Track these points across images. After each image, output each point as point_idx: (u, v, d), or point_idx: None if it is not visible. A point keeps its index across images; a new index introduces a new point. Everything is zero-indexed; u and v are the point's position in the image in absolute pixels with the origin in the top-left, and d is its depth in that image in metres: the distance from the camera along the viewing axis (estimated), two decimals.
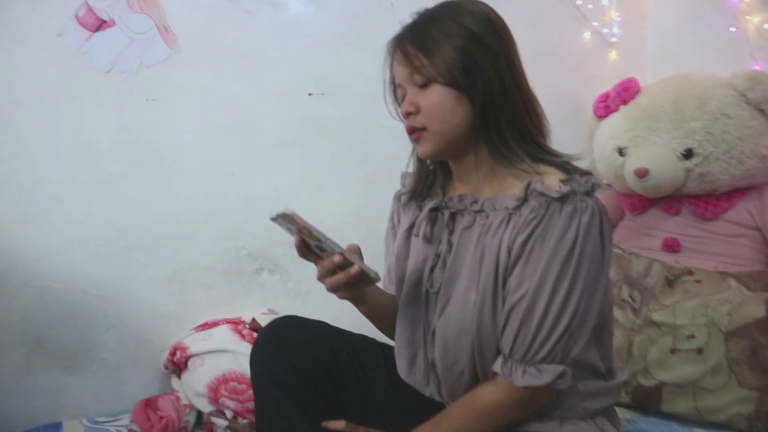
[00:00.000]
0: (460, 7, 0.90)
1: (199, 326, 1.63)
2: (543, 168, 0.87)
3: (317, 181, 1.82)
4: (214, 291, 1.71)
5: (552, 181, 0.83)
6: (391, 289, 1.08)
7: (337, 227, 1.72)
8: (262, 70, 1.71)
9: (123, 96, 1.57)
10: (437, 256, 0.96)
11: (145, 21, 1.56)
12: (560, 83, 2.09)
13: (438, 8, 0.92)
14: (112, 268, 1.60)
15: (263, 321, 1.66)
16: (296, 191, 1.78)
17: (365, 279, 0.87)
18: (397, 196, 1.11)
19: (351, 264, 0.84)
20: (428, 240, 1.00)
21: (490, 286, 0.85)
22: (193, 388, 1.46)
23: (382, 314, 1.06)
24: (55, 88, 1.52)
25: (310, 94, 1.78)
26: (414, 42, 0.90)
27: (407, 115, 0.92)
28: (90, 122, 1.55)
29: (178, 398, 1.49)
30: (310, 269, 1.79)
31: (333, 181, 1.84)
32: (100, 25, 1.52)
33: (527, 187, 0.85)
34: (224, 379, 1.44)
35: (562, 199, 0.81)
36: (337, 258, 0.86)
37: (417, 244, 1.03)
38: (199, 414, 1.51)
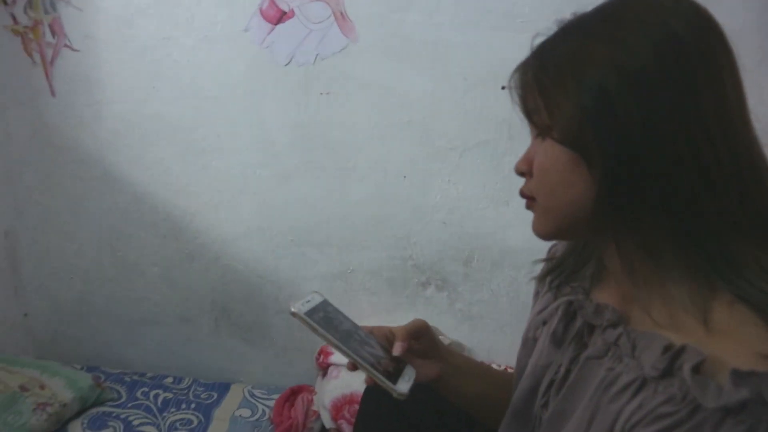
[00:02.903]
0: (637, 10, 0.57)
1: None
2: (729, 312, 0.55)
3: (504, 195, 1.59)
4: (377, 297, 1.71)
5: (732, 353, 0.52)
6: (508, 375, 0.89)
7: (524, 251, 1.52)
8: (448, 59, 1.52)
9: (299, 90, 1.60)
10: (558, 371, 0.72)
11: (323, 9, 1.50)
12: None
13: (602, 13, 0.60)
14: (285, 259, 1.73)
15: None
16: (476, 204, 1.60)
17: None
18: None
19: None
20: (556, 342, 0.76)
21: None
22: (323, 398, 1.51)
23: (471, 405, 0.90)
24: (241, 84, 1.63)
25: (503, 88, 1.49)
26: (535, 73, 0.63)
27: (519, 173, 0.69)
28: (270, 117, 1.63)
29: (311, 401, 1.56)
30: (485, 292, 1.69)
31: None
32: (281, 17, 1.53)
33: (675, 354, 0.55)
34: (350, 400, 1.46)
35: (726, 411, 0.49)
36: (348, 365, 0.75)
37: (544, 339, 0.79)
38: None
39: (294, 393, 1.68)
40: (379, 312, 1.73)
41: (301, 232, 1.71)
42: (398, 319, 1.73)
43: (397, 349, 0.77)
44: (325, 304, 0.80)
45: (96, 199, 1.81)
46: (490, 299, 1.65)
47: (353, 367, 0.75)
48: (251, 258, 1.77)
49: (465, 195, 1.60)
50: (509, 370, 1.05)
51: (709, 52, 0.55)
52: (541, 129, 0.62)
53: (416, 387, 0.80)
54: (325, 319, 0.77)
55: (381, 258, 1.70)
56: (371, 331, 0.81)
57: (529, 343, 0.82)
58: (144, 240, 1.82)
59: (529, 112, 0.63)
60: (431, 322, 1.67)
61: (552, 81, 0.59)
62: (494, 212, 1.60)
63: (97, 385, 1.65)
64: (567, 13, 0.62)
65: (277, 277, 1.76)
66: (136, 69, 1.69)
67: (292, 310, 0.74)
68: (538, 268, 0.83)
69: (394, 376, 0.76)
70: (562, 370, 0.70)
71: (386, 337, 0.80)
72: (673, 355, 0.54)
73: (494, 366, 1.67)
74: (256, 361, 1.84)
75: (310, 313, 0.76)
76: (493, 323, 1.67)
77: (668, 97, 0.54)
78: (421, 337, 0.82)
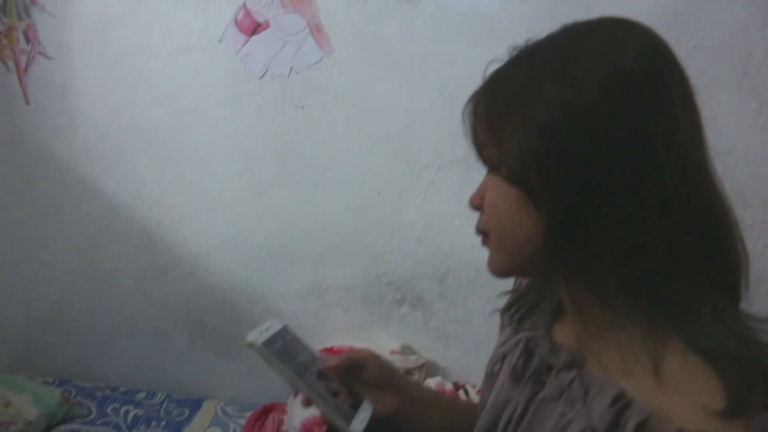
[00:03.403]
0: (586, 42, 0.54)
1: (325, 349, 1.64)
2: (682, 362, 0.52)
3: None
4: (351, 314, 1.69)
5: (680, 408, 0.49)
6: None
7: None
8: (424, 73, 1.50)
9: (275, 102, 1.58)
10: (516, 409, 0.70)
11: (298, 21, 1.49)
12: None
13: (552, 44, 0.57)
14: (259, 273, 1.71)
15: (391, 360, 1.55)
16: (452, 221, 1.57)
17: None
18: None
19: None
20: (516, 378, 0.73)
21: None
22: (293, 419, 1.48)
23: None
24: (217, 95, 1.61)
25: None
26: (485, 106, 0.59)
27: (472, 208, 0.66)
28: (245, 129, 1.61)
29: (282, 421, 1.53)
30: (460, 311, 1.66)
31: None
32: (256, 28, 1.51)
33: (621, 408, 0.52)
34: (320, 422, 1.41)
35: None
36: (302, 400, 0.74)
37: (504, 373, 0.76)
38: None
39: (266, 411, 1.65)
40: (353, 329, 1.70)
41: (276, 246, 1.69)
42: (372, 336, 1.71)
43: (327, 366, 0.76)
44: (284, 332, 0.77)
45: (71, 209, 1.79)
46: (465, 318, 1.62)
47: (307, 402, 0.73)
48: (226, 271, 1.74)
49: (440, 212, 1.57)
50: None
51: (660, 86, 0.51)
52: (490, 164, 0.60)
53: (377, 423, 0.78)
54: (283, 349, 0.75)
55: (355, 274, 1.67)
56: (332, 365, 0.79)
57: (490, 378, 0.80)
58: (118, 251, 1.80)
59: (479, 146, 0.60)
60: (406, 340, 1.68)
61: (500, 116, 0.56)
62: (470, 230, 1.55)
63: (65, 401, 1.62)
64: (529, 36, 0.59)
65: (252, 291, 1.74)
66: (112, 78, 1.67)
67: (249, 339, 0.72)
68: (503, 300, 0.80)
69: (351, 412, 0.73)
70: (519, 408, 0.68)
71: None
72: (620, 409, 0.51)
73: (469, 387, 1.64)
74: (230, 377, 1.81)
75: (268, 343, 0.73)
76: (468, 342, 1.64)
77: (617, 135, 0.50)
78: (364, 367, 0.80)
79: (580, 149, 0.51)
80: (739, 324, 0.51)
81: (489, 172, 0.61)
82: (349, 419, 0.72)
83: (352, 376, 0.81)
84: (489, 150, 0.58)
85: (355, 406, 0.75)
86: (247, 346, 0.71)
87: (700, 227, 0.52)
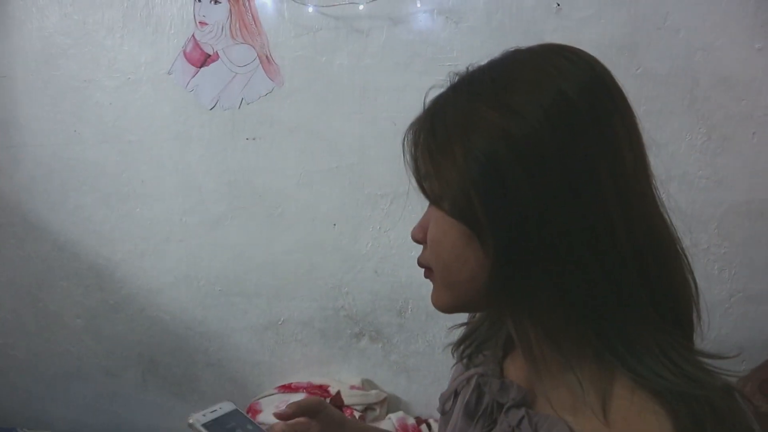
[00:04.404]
0: (527, 71, 0.53)
1: (282, 387, 1.60)
2: (630, 399, 0.50)
3: None
4: (309, 349, 1.65)
5: None
6: None
7: None
8: (376, 103, 1.48)
9: (225, 135, 1.55)
10: None
11: (247, 52, 1.46)
12: None
13: (492, 71, 0.54)
14: (213, 310, 1.66)
15: (350, 397, 1.52)
16: (408, 252, 1.55)
17: None
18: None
19: None
20: (469, 415, 0.69)
21: None
22: None
23: None
24: (166, 128, 1.58)
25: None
26: (425, 136, 0.57)
27: (415, 241, 0.63)
28: (196, 162, 1.58)
29: None
30: (420, 344, 1.63)
31: None
32: (205, 60, 1.48)
33: None
34: None
35: None
36: None
37: (458, 410, 0.72)
38: None
39: None
40: (312, 364, 1.66)
41: (230, 282, 1.64)
42: (332, 371, 1.67)
43: (279, 414, 0.72)
44: (233, 416, 0.73)
45: (14, 247, 1.72)
46: (426, 350, 1.59)
47: None
48: (179, 308, 1.68)
49: (396, 243, 1.55)
50: None
51: (603, 116, 0.50)
52: (431, 198, 0.57)
53: None
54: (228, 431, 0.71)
55: (312, 308, 1.63)
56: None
57: (444, 415, 0.78)
58: (66, 290, 1.73)
59: (420, 177, 0.57)
60: (366, 374, 1.64)
61: (440, 147, 0.53)
62: None
63: None
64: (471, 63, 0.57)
65: (206, 328, 1.68)
66: (57, 111, 1.62)
67: (189, 420, 0.68)
68: (457, 334, 0.78)
69: None
70: None
71: None
72: None
73: (432, 421, 1.60)
74: (185, 416, 1.74)
75: (210, 425, 0.70)
76: (430, 375, 1.61)
77: (559, 167, 0.49)
78: (317, 414, 0.77)
79: (521, 181, 0.49)
80: (687, 360, 0.50)
81: (431, 204, 0.59)
82: None
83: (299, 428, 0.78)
84: (430, 182, 0.55)
85: None
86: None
87: (645, 260, 0.50)
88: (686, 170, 1.43)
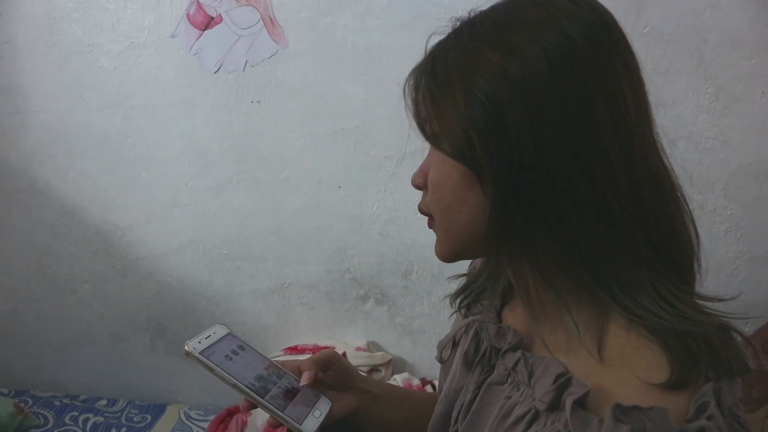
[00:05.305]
0: (529, 12, 0.52)
1: (289, 348, 1.62)
2: (626, 337, 0.51)
3: None
4: (315, 312, 1.66)
5: (621, 383, 0.49)
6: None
7: (464, 262, 1.48)
8: (380, 64, 1.48)
9: (229, 98, 1.54)
10: (466, 396, 0.68)
11: (251, 14, 1.45)
12: None
13: (494, 14, 0.54)
14: (219, 274, 1.67)
15: (355, 359, 1.54)
16: (414, 214, 1.54)
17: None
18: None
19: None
20: (467, 364, 0.71)
21: None
22: (256, 420, 1.45)
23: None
24: (170, 92, 1.57)
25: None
26: (426, 79, 0.57)
27: (415, 187, 0.64)
28: (200, 126, 1.57)
29: (246, 423, 1.50)
30: (426, 306, 1.64)
31: None
32: (209, 22, 1.47)
33: (561, 386, 0.51)
34: (270, 426, 1.37)
35: None
36: (243, 403, 0.69)
37: (457, 360, 0.74)
38: None
39: (230, 414, 1.61)
40: (318, 327, 1.68)
41: (235, 246, 1.65)
42: (338, 333, 1.68)
43: (304, 379, 0.72)
44: (228, 339, 0.74)
45: (22, 214, 1.73)
46: (431, 312, 1.61)
47: (250, 405, 0.69)
48: (185, 273, 1.70)
49: (402, 205, 1.55)
50: None
51: (605, 59, 0.50)
52: (432, 140, 0.57)
53: (334, 423, 0.75)
54: (225, 356, 0.71)
55: (318, 271, 1.64)
56: (282, 365, 0.76)
57: (443, 364, 0.79)
58: (74, 256, 1.75)
59: (421, 120, 0.57)
60: (371, 337, 1.66)
61: (440, 89, 0.54)
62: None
63: (18, 412, 1.57)
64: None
65: (213, 292, 1.70)
66: (61, 77, 1.62)
67: (186, 348, 0.68)
68: (455, 285, 0.79)
69: (304, 411, 0.71)
70: (469, 395, 0.66)
71: (297, 371, 0.75)
72: (560, 386, 0.50)
73: (437, 382, 1.62)
74: (193, 380, 1.77)
75: (207, 351, 0.70)
76: (435, 337, 1.62)
77: (560, 108, 0.49)
78: (330, 367, 0.78)
79: (521, 121, 0.49)
80: (683, 302, 0.51)
81: (432, 148, 0.59)
82: (301, 419, 0.69)
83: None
84: (431, 124, 0.56)
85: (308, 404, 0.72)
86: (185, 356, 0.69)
87: (644, 202, 0.51)
88: (692, 131, 1.42)
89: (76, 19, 1.58)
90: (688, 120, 1.42)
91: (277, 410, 0.67)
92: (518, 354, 0.59)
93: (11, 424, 1.53)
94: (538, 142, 0.49)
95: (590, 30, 0.50)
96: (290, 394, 0.71)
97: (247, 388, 0.67)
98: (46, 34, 1.60)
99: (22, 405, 1.64)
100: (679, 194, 0.54)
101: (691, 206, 0.54)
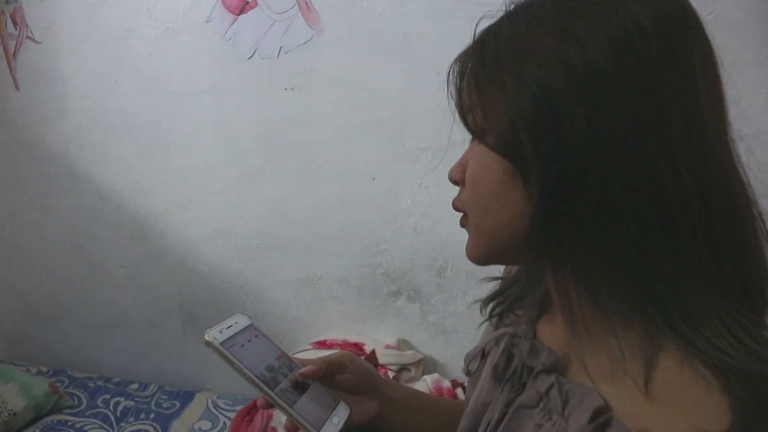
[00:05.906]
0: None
1: (317, 343, 1.59)
2: (680, 371, 0.44)
3: None
4: (345, 306, 1.62)
5: (668, 426, 0.43)
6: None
7: None
8: (419, 52, 1.41)
9: (263, 85, 1.51)
10: (494, 414, 0.63)
11: None
12: None
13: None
14: (250, 263, 1.65)
15: (385, 356, 1.49)
16: (450, 209, 1.45)
17: None
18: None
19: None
20: (497, 378, 0.65)
21: None
22: (281, 416, 1.41)
23: None
24: (204, 78, 1.55)
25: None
26: (473, 65, 0.51)
27: (452, 182, 0.59)
28: (233, 113, 1.55)
29: (271, 417, 1.48)
30: (459, 305, 1.58)
31: None
32: (244, 7, 1.44)
33: (600, 426, 0.45)
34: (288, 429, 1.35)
35: None
36: (260, 401, 0.66)
37: (486, 373, 0.69)
38: None
39: (257, 406, 1.60)
40: (348, 322, 1.64)
41: (267, 236, 1.63)
42: (368, 329, 1.64)
43: (306, 370, 0.69)
44: (249, 330, 0.71)
45: (62, 197, 1.76)
46: (465, 312, 1.54)
47: (267, 404, 0.66)
48: (217, 261, 1.69)
49: (438, 199, 1.49)
50: None
51: (680, 51, 0.43)
52: (475, 131, 0.52)
53: (354, 428, 0.72)
54: (246, 348, 0.68)
55: (349, 265, 1.60)
56: (302, 363, 0.72)
57: (471, 377, 0.73)
58: (110, 240, 1.76)
59: (464, 110, 0.52)
60: (402, 334, 1.61)
61: (488, 75, 0.48)
62: None
63: (53, 392, 1.59)
64: None
65: (243, 282, 1.68)
66: (99, 62, 1.62)
67: (206, 338, 0.65)
68: (487, 288, 0.73)
69: (323, 416, 0.67)
70: (497, 413, 0.61)
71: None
72: (598, 427, 0.44)
73: (467, 384, 1.56)
74: (224, 368, 1.75)
75: (228, 342, 0.67)
76: (468, 338, 1.56)
77: (623, 103, 0.43)
78: (344, 370, 0.73)
79: (577, 116, 0.43)
80: (754, 336, 0.43)
81: (474, 140, 0.53)
82: (319, 425, 0.66)
83: (329, 380, 0.75)
84: (474, 114, 0.50)
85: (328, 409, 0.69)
86: (204, 345, 0.65)
87: (714, 217, 0.44)
88: (761, 128, 1.30)
89: (113, 3, 1.58)
90: (756, 116, 1.29)
91: (290, 410, 0.64)
92: (552, 378, 0.52)
93: (46, 404, 1.56)
94: (593, 141, 0.43)
95: (664, 17, 0.43)
96: (300, 388, 0.67)
97: (265, 387, 0.64)
98: (85, 19, 1.60)
99: (58, 385, 1.67)
100: (754, 211, 0.46)
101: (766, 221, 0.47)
